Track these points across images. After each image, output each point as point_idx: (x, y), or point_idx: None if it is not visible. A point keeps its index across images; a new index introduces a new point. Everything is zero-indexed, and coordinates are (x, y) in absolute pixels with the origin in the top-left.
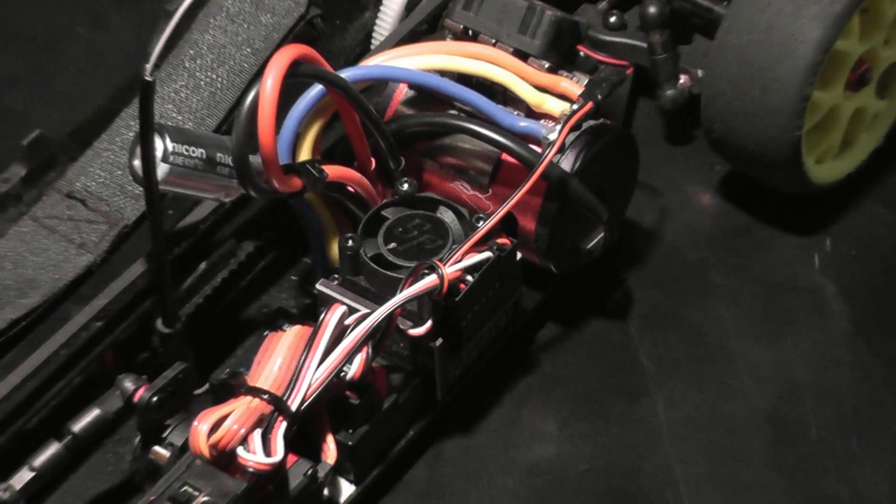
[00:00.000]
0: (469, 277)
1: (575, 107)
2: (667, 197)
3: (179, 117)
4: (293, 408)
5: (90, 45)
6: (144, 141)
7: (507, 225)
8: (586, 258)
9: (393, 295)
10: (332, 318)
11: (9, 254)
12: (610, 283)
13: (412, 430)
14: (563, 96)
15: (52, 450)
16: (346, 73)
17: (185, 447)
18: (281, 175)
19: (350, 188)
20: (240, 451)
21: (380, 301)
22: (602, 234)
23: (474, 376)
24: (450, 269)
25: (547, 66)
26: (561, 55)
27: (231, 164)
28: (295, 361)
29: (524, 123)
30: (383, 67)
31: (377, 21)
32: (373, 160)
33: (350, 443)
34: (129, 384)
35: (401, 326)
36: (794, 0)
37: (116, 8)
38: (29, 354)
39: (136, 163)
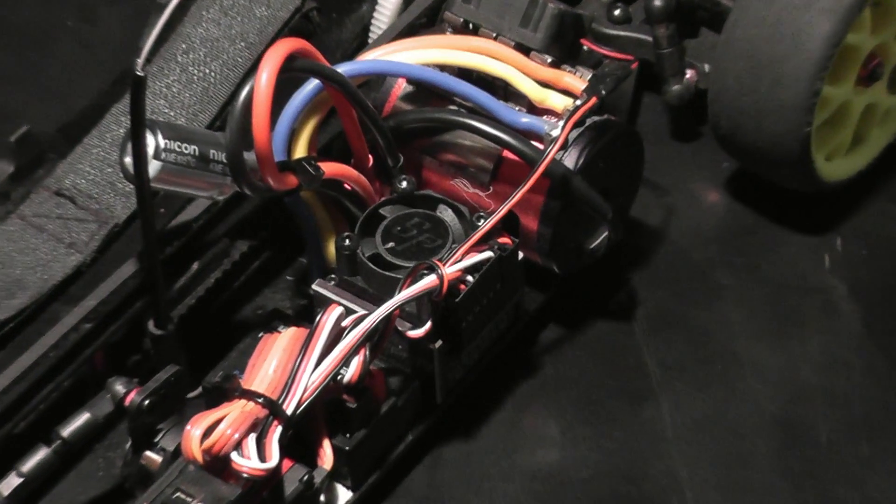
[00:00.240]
0: (469, 278)
1: (578, 102)
2: (672, 195)
3: (171, 113)
4: (289, 412)
5: (80, 38)
6: (136, 137)
7: (509, 224)
8: (590, 258)
9: (391, 296)
10: (328, 320)
11: None
12: (614, 283)
13: (411, 435)
14: (566, 91)
15: (40, 455)
16: (343, 68)
17: (177, 452)
18: (276, 172)
19: (347, 186)
20: (234, 456)
21: (378, 302)
22: (606, 234)
23: (475, 379)
24: (450, 270)
25: (549, 60)
26: (564, 49)
27: (225, 161)
28: (290, 364)
29: (526, 119)
30: (381, 62)
31: (375, 14)
32: (370, 157)
33: (347, 447)
34: (119, 387)
35: (399, 328)
36: None
37: (107, 0)
38: (17, 357)
39: (127, 160)
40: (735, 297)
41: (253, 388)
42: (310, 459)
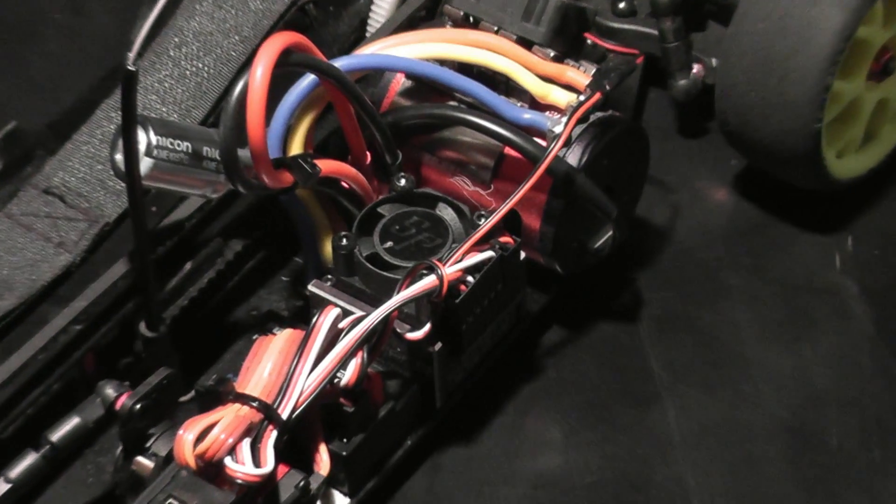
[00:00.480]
0: (470, 278)
1: (582, 98)
2: (679, 193)
3: (164, 109)
4: (284, 416)
5: (68, 31)
6: (127, 134)
7: (510, 223)
8: (594, 258)
9: (389, 297)
10: (325, 322)
11: None
12: (618, 284)
13: (410, 440)
14: (569, 87)
15: (28, 460)
16: (340, 63)
17: (169, 457)
18: (271, 170)
19: (344, 184)
20: (227, 461)
21: (375, 303)
22: (610, 233)
23: (475, 383)
24: (449, 270)
25: (552, 54)
26: (567, 43)
27: (218, 159)
28: (286, 367)
29: (528, 115)
30: (379, 56)
31: (373, 7)
32: (368, 154)
33: (344, 453)
34: (110, 391)
35: (398, 330)
36: None
37: None
38: (4, 360)
39: (118, 157)
40: (743, 297)
41: (247, 392)
42: (306, 465)
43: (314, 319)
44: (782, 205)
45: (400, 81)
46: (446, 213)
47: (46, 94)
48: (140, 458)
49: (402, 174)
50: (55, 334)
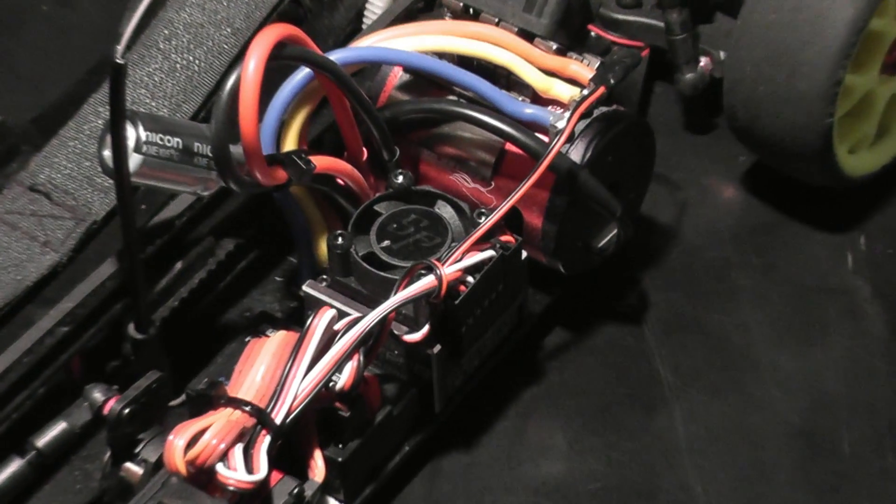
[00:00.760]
0: (470, 278)
1: (585, 92)
2: (686, 191)
3: (153, 103)
4: (278, 421)
5: (55, 23)
6: (115, 129)
7: (512, 221)
8: (598, 257)
9: (387, 297)
10: (320, 323)
11: None
12: (623, 284)
13: (408, 446)
14: (572, 81)
15: (13, 467)
16: (336, 56)
17: (159, 464)
18: (264, 166)
19: (340, 181)
20: (219, 467)
21: (372, 304)
22: (615, 232)
23: (476, 386)
24: (449, 270)
25: (555, 47)
26: (570, 36)
27: (210, 155)
28: (279, 370)
29: (530, 110)
30: (376, 49)
31: None
32: (365, 150)
33: (340, 459)
34: (98, 395)
35: (395, 332)
36: None
37: None
38: None
39: (106, 153)
40: (752, 298)
41: (240, 396)
42: (300, 471)
43: (309, 321)
44: (793, 202)
45: (397, 75)
46: (445, 211)
47: (32, 89)
48: (129, 465)
49: (400, 171)
50: (41, 336)
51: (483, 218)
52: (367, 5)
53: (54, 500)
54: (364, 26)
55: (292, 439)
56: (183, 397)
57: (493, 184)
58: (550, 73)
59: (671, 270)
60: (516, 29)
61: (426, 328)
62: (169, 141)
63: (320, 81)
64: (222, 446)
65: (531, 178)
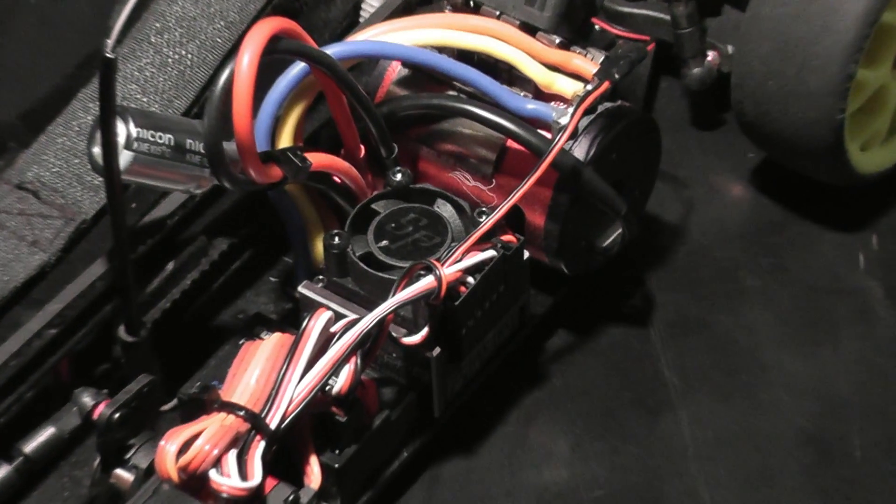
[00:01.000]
0: (470, 279)
1: (589, 87)
2: (693, 189)
3: (144, 99)
4: (272, 426)
5: (44, 16)
6: (105, 125)
7: (513, 220)
8: (602, 257)
9: (385, 299)
10: (316, 325)
11: None
12: (628, 285)
13: (406, 451)
14: (575, 75)
15: (0, 473)
16: (332, 50)
17: (150, 470)
18: (258, 164)
19: (336, 179)
20: (212, 474)
21: (370, 306)
22: (619, 231)
23: (476, 390)
24: (449, 270)
25: (558, 41)
26: (574, 29)
27: (202, 152)
28: (274, 374)
29: (532, 106)
30: (374, 43)
31: None
32: (362, 147)
33: (336, 465)
34: (87, 399)
35: (393, 334)
36: None
37: None
38: None
39: (96, 150)
40: (761, 299)
41: (233, 400)
42: (295, 478)
43: (304, 323)
44: (803, 201)
45: (396, 70)
46: (445, 209)
47: (19, 84)
48: (119, 471)
49: (399, 168)
50: (29, 339)
51: (484, 217)
52: None
53: None
54: (361, 19)
55: (287, 445)
56: (175, 401)
57: (494, 182)
58: (553, 67)
59: (677, 271)
60: (518, 22)
61: (425, 330)
62: (160, 137)
63: (316, 76)
64: (215, 452)
65: (533, 176)
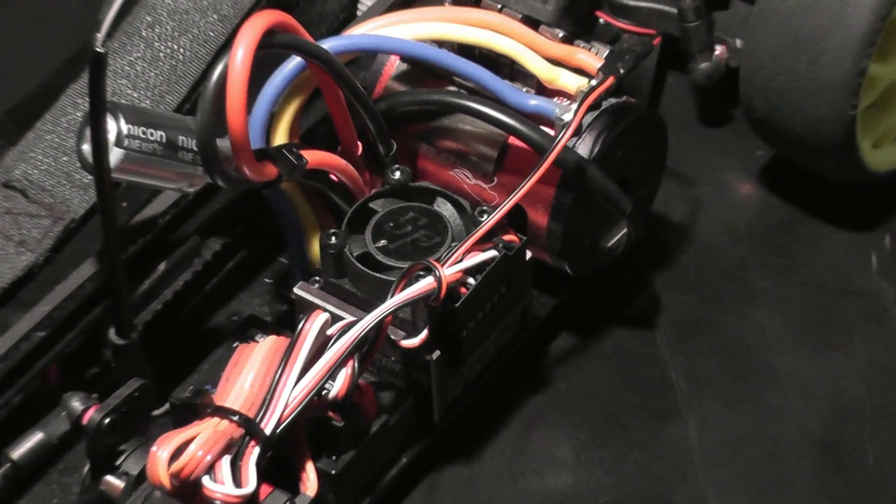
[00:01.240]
0: (471, 280)
1: (594, 82)
2: (700, 187)
3: (135, 94)
4: (267, 431)
5: (31, 10)
6: (95, 122)
7: (515, 219)
8: (606, 258)
9: (383, 300)
10: (312, 328)
11: None
12: (634, 286)
13: (405, 457)
14: (579, 70)
15: None
16: (329, 44)
17: (141, 477)
18: (253, 161)
19: (333, 177)
20: (205, 480)
21: (367, 307)
22: (625, 231)
23: (477, 394)
24: (449, 271)
25: (561, 35)
26: (577, 23)
27: (195, 149)
28: (269, 378)
29: (535, 102)
30: (372, 37)
31: None
32: (359, 144)
33: (333, 471)
34: (76, 404)
35: (392, 337)
36: None
37: None
38: None
39: (86, 147)
40: (770, 301)
41: (227, 405)
42: (291, 485)
43: (300, 325)
44: (813, 200)
45: (394, 65)
46: (445, 208)
47: (6, 79)
48: (109, 478)
49: (397, 166)
50: (16, 342)
51: (485, 216)
52: None
53: None
54: (359, 13)
55: (283, 451)
56: (167, 406)
57: (495, 180)
58: (556, 62)
59: (684, 271)
60: (520, 15)
61: (425, 333)
62: (152, 134)
63: (312, 71)
64: (208, 458)
65: (536, 174)
